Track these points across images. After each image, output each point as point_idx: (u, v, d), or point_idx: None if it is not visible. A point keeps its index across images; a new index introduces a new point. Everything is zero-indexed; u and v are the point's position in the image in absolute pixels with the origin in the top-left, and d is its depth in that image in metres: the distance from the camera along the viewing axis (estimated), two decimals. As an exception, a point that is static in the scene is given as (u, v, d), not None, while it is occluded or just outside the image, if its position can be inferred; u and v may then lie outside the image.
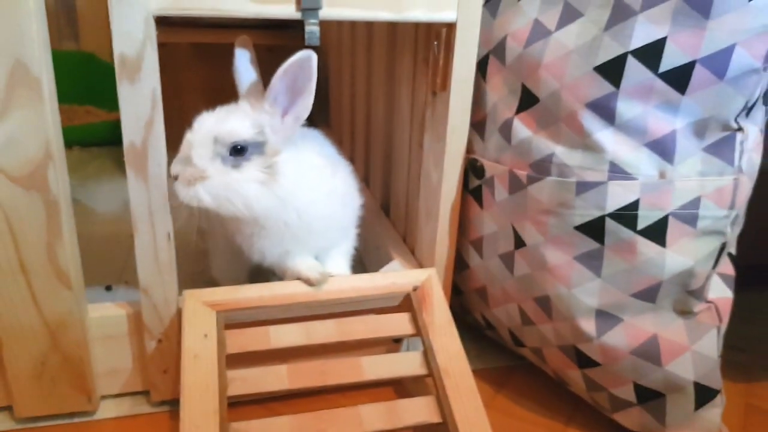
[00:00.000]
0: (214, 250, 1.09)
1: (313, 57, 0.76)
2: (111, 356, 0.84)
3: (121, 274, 1.16)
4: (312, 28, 0.75)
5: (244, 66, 0.86)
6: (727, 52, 0.69)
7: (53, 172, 0.71)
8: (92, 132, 1.91)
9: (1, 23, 0.65)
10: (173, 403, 0.87)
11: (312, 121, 2.07)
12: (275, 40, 1.67)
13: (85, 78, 2.10)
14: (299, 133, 0.91)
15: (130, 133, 0.73)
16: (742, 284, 0.83)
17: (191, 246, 1.24)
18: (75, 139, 1.85)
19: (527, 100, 0.83)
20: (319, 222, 0.87)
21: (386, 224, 1.19)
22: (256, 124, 0.80)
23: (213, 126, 0.79)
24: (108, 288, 1.10)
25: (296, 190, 0.83)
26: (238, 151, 0.79)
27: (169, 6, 0.70)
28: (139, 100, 0.71)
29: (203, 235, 1.21)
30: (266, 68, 1.71)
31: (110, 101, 2.09)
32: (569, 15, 0.79)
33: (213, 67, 1.60)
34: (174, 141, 0.83)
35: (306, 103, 0.80)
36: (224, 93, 1.71)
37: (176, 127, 1.70)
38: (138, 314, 0.82)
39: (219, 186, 0.78)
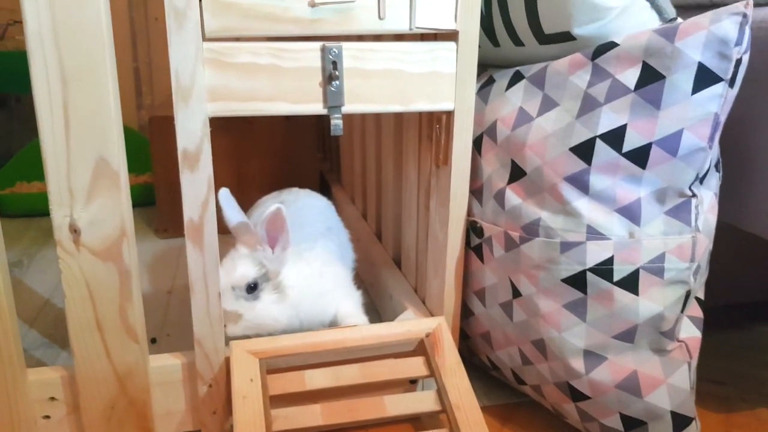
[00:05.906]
0: None
1: (282, 211, 0.94)
2: (168, 400, 0.93)
3: (162, 327, 1.24)
4: (336, 122, 0.86)
5: (231, 213, 0.99)
6: (677, 136, 0.79)
7: (126, 246, 0.83)
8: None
9: (90, 130, 0.78)
10: (221, 441, 0.96)
11: (324, 179, 2.18)
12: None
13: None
14: (303, 198, 1.08)
15: (189, 211, 0.85)
16: (724, 323, 0.90)
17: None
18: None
19: (516, 173, 0.92)
20: (316, 314, 1.04)
21: (398, 276, 1.28)
22: (257, 262, 0.97)
23: (226, 278, 0.95)
24: (153, 340, 1.18)
25: (301, 297, 1.00)
26: (252, 288, 0.96)
27: (222, 109, 0.83)
28: (198, 185, 0.84)
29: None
30: (285, 135, 1.84)
31: (137, 165, 2.22)
32: (547, 104, 0.89)
33: (236, 136, 1.75)
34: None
35: (287, 239, 0.97)
36: (245, 158, 1.85)
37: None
38: (192, 363, 0.92)
39: (252, 319, 0.96)
